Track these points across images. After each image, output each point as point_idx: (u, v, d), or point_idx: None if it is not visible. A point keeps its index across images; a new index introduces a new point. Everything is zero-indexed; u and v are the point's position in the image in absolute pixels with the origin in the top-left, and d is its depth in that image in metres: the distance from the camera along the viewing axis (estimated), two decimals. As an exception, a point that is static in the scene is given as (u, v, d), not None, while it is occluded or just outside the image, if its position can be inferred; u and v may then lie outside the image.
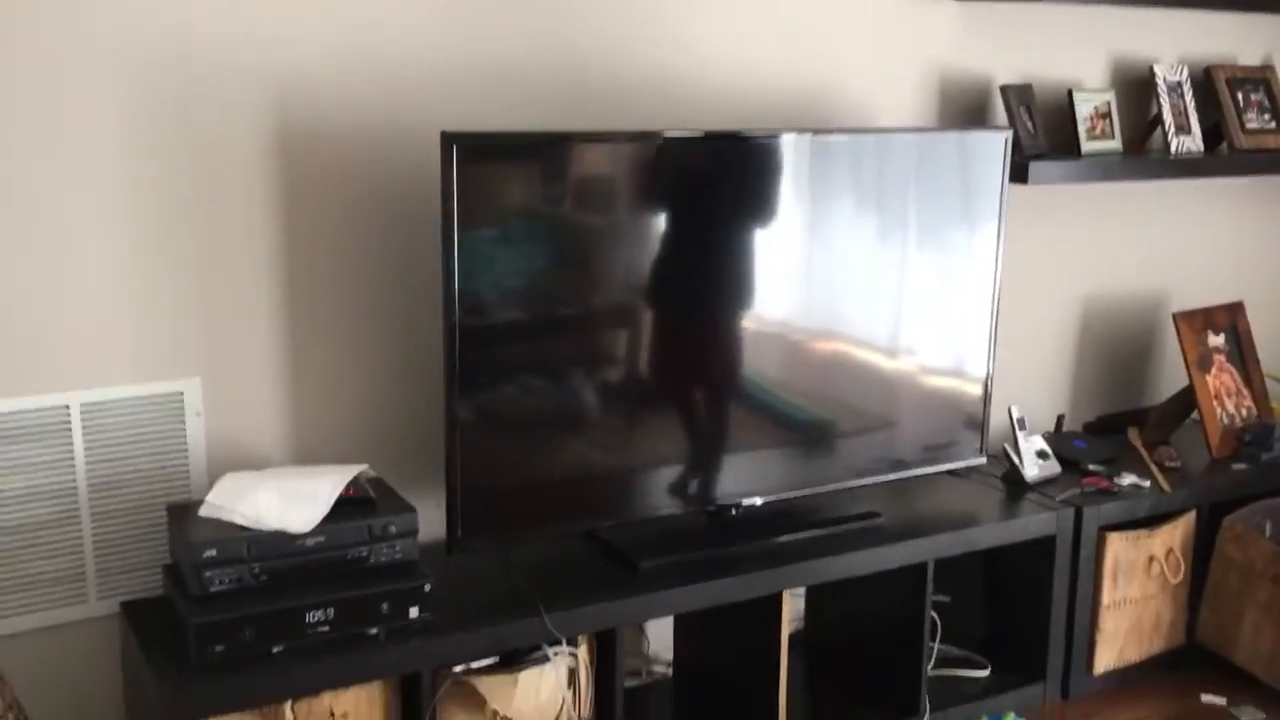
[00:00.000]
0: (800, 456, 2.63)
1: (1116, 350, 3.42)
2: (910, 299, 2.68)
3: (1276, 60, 3.46)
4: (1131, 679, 2.96)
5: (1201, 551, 3.02)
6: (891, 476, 2.74)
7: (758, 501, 2.56)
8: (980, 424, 2.81)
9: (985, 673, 2.85)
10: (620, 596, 2.31)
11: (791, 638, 2.55)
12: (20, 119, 2.06)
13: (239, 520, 2.07)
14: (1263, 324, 3.42)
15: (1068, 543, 2.79)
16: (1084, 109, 3.03)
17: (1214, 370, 3.21)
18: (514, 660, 2.25)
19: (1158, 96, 3.13)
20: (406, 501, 2.21)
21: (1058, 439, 3.11)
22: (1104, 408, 3.40)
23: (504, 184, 2.26)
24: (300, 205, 2.30)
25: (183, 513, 2.14)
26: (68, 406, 2.17)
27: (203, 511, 2.10)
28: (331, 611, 2.06)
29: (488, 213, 2.21)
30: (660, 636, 2.78)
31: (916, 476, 2.79)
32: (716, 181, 2.43)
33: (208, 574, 2.01)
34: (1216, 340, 3.25)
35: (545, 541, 2.43)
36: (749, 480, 2.56)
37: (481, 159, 2.17)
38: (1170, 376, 3.40)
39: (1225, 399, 3.21)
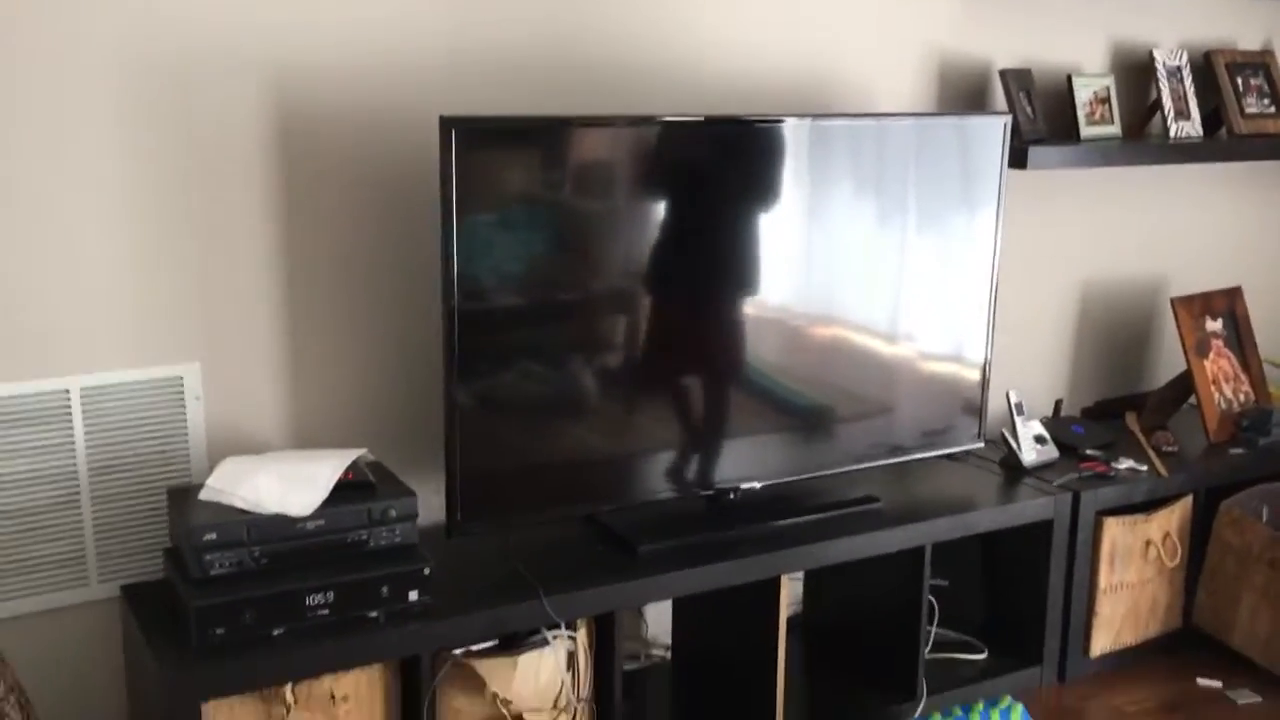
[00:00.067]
0: (799, 441, 2.64)
1: (1115, 335, 3.42)
2: (909, 284, 2.68)
3: (1276, 45, 3.45)
4: (1128, 662, 2.97)
5: (1198, 536, 3.03)
6: (890, 461, 2.75)
7: (756, 486, 2.57)
8: (978, 409, 2.82)
9: (982, 656, 2.86)
10: (619, 580, 2.32)
11: (790, 621, 2.55)
12: (20, 105, 2.06)
13: (239, 504, 2.07)
14: (1261, 309, 3.43)
15: (1065, 527, 2.80)
16: (1083, 94, 3.03)
17: (1212, 355, 3.22)
18: (513, 643, 2.26)
19: (1157, 81, 3.13)
20: (406, 485, 2.22)
21: (1055, 424, 3.12)
22: (1102, 393, 3.41)
23: (503, 169, 2.25)
24: (300, 190, 2.30)
25: (183, 496, 2.15)
26: (68, 391, 2.17)
27: (203, 495, 2.10)
28: (331, 595, 2.07)
29: (487, 198, 2.21)
30: (659, 620, 2.79)
31: (915, 461, 2.80)
32: (716, 166, 2.43)
33: (208, 557, 2.02)
34: (1214, 325, 3.25)
35: (544, 525, 2.44)
36: (748, 465, 2.57)
37: (481, 144, 2.17)
38: (1168, 362, 3.41)
39: (1223, 384, 3.22)
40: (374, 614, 2.11)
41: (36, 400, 2.15)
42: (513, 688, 2.23)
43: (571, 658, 2.31)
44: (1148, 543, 2.93)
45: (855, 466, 2.70)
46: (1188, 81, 3.18)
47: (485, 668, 2.22)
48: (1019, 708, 2.59)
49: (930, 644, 2.74)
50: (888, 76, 2.89)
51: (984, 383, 2.81)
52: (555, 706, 2.29)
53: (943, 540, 2.65)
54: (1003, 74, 2.90)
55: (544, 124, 2.30)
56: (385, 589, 2.11)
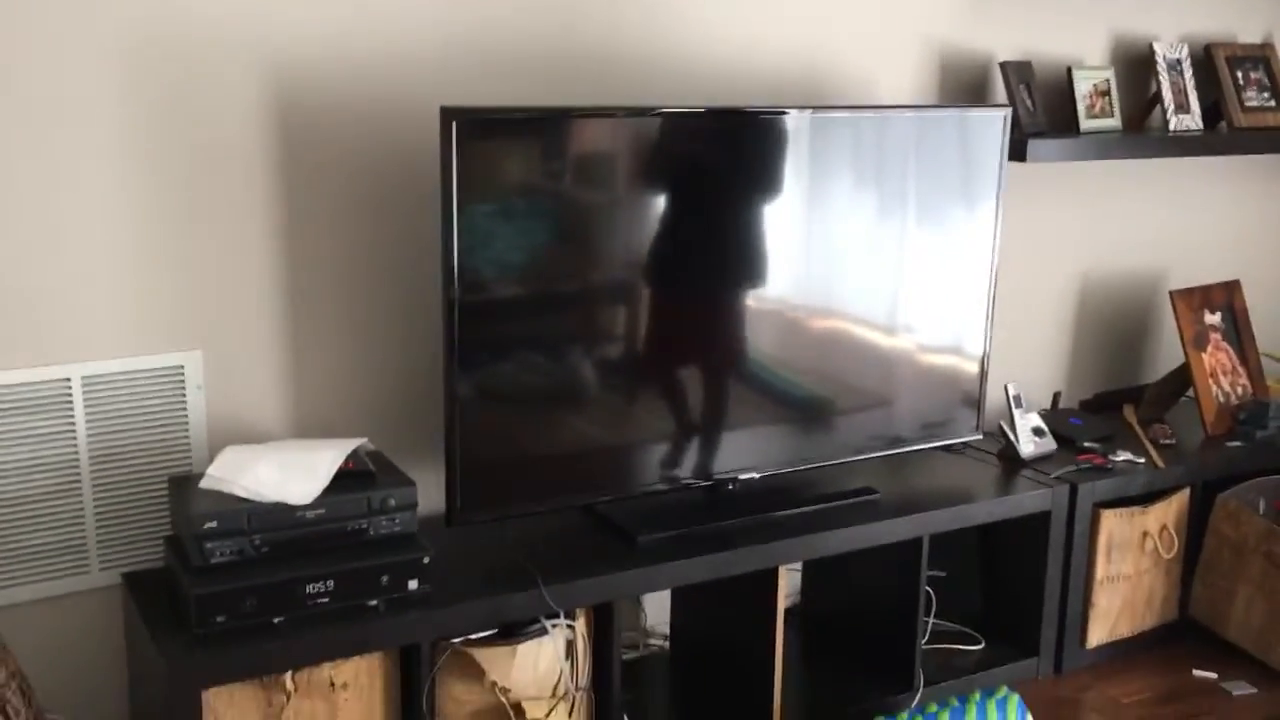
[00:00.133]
0: (797, 432, 2.65)
1: (1113, 328, 3.43)
2: (908, 276, 2.69)
3: (1276, 38, 3.45)
4: (1124, 654, 2.98)
5: (1195, 528, 3.04)
6: (888, 452, 2.76)
7: (755, 477, 2.58)
8: (977, 401, 2.83)
9: (979, 647, 2.87)
10: (618, 570, 2.32)
11: (788, 612, 2.56)
12: (19, 90, 2.06)
13: (240, 492, 2.08)
14: (1259, 302, 3.43)
15: (1062, 519, 2.81)
16: (1083, 86, 3.03)
17: (1210, 348, 3.22)
18: (512, 632, 2.26)
19: (1157, 74, 3.13)
20: (406, 475, 2.23)
21: (1054, 416, 3.13)
22: (1100, 385, 3.41)
23: (503, 159, 2.26)
24: (301, 180, 2.31)
25: (184, 485, 2.16)
26: (69, 379, 2.18)
27: (204, 484, 2.11)
28: (331, 583, 2.08)
29: (487, 188, 2.21)
30: (657, 610, 2.80)
31: (913, 453, 2.81)
32: (716, 158, 2.44)
33: (209, 545, 2.03)
34: (1213, 318, 3.26)
35: (544, 515, 2.44)
36: (746, 456, 2.58)
37: (481, 134, 2.18)
38: (1167, 354, 3.41)
39: (1221, 377, 3.22)
40: (374, 602, 2.12)
41: (38, 388, 2.16)
42: (512, 676, 2.24)
43: (570, 647, 2.32)
44: (1144, 535, 2.94)
45: (853, 458, 2.70)
46: (1188, 75, 3.18)
47: (484, 656, 2.23)
48: (1015, 698, 2.59)
49: (927, 635, 2.75)
50: (888, 69, 2.89)
51: (982, 375, 2.82)
52: (554, 695, 2.29)
53: (940, 531, 2.66)
54: (1003, 66, 2.91)
55: (544, 115, 2.30)
56: (385, 578, 2.12)
